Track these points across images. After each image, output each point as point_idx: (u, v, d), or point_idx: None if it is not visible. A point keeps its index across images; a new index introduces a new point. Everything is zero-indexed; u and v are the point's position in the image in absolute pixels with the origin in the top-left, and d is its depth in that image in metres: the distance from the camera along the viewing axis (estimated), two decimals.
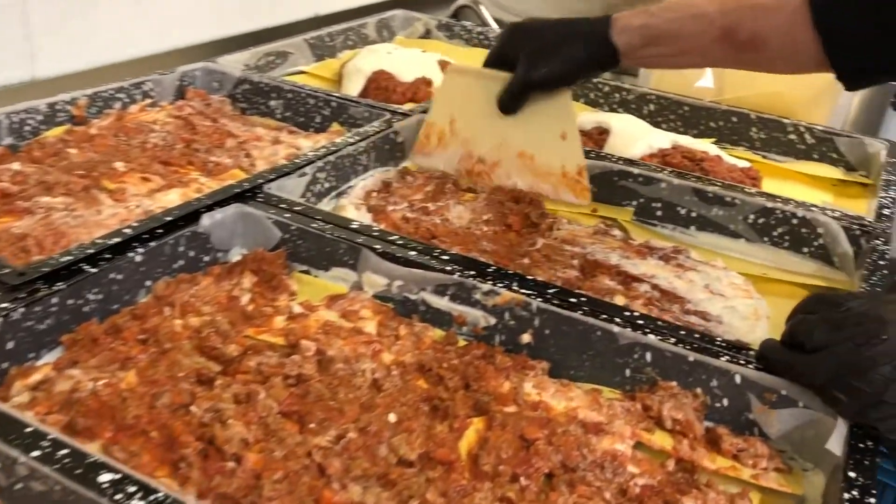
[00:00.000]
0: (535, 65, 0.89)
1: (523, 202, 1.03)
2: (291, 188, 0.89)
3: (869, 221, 0.93)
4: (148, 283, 0.74)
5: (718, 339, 0.68)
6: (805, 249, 0.95)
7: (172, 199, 0.90)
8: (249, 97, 1.22)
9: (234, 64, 1.27)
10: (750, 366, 0.64)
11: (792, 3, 0.76)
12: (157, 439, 0.58)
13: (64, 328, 0.67)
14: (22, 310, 0.63)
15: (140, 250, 0.73)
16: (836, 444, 0.58)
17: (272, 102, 1.20)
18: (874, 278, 0.81)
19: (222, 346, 0.68)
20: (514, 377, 0.68)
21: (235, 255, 0.82)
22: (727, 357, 0.65)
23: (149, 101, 1.16)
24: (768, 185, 1.12)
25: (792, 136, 1.26)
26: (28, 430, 0.51)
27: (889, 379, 0.56)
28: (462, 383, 0.67)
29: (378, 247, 0.77)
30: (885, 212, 0.97)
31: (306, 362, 0.67)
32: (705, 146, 1.14)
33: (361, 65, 1.36)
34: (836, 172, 1.21)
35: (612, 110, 1.36)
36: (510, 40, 0.93)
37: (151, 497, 0.47)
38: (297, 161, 0.93)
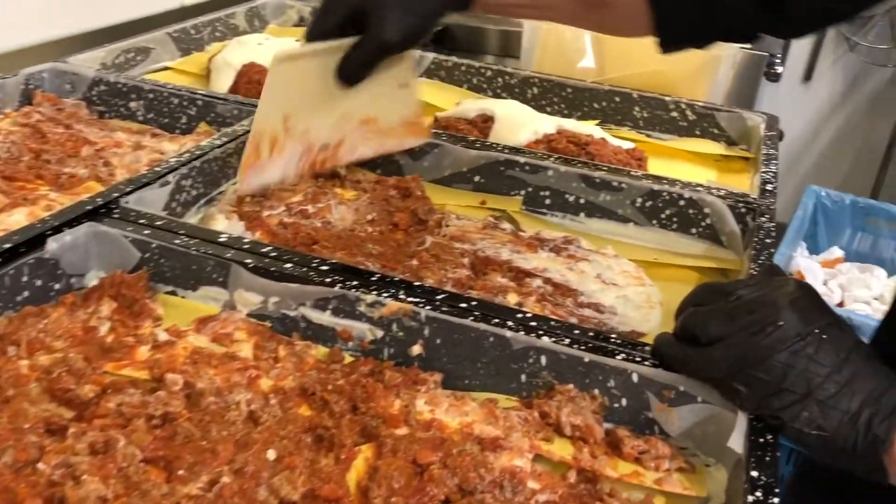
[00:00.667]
0: (388, 22, 0.74)
1: (410, 198, 0.99)
2: (153, 200, 0.82)
3: (754, 198, 0.93)
4: None
5: (613, 336, 0.65)
6: (693, 230, 0.94)
7: (18, 220, 0.80)
8: (107, 99, 1.12)
9: (88, 63, 1.17)
10: (646, 363, 0.62)
11: None
12: None
13: None
14: None
15: None
16: (736, 440, 0.56)
17: (132, 104, 1.11)
18: (762, 257, 0.81)
19: (76, 387, 0.61)
20: (404, 394, 0.63)
21: (92, 280, 0.74)
22: (623, 355, 0.63)
23: None
24: (654, 165, 1.12)
25: (674, 114, 1.26)
26: None
27: (787, 365, 0.55)
28: (349, 406, 0.62)
29: (249, 261, 0.71)
30: (769, 187, 0.97)
31: (173, 398, 0.60)
32: (590, 129, 1.12)
33: (230, 58, 1.28)
34: (718, 148, 1.22)
35: (496, 95, 1.32)
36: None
37: None
38: (157, 169, 0.85)
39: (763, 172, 1.01)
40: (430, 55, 1.37)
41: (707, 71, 1.31)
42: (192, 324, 0.70)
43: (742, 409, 0.58)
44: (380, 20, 0.74)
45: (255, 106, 0.88)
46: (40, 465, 0.53)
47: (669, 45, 0.77)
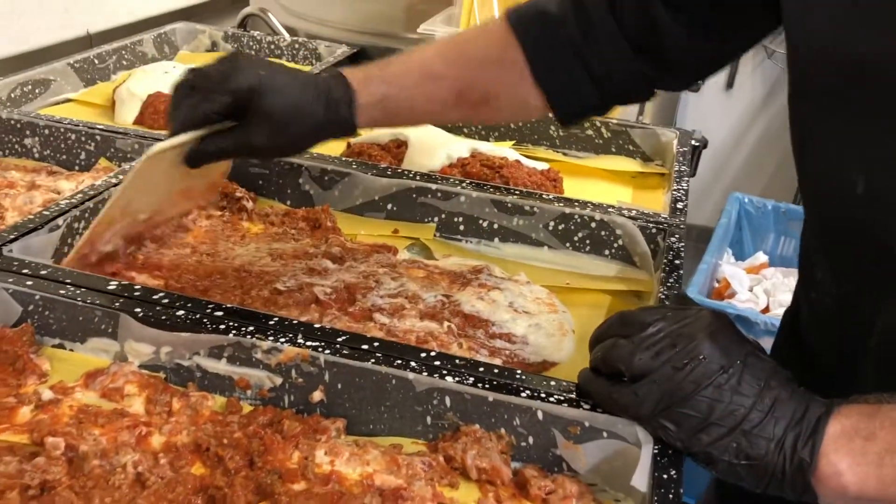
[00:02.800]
0: (262, 135, 0.69)
1: (320, 229, 0.96)
2: (40, 247, 0.78)
3: (664, 218, 0.93)
4: None
5: (518, 372, 0.64)
6: (606, 252, 0.94)
7: None
8: (1, 137, 1.06)
9: None
10: (551, 399, 0.61)
11: (511, 57, 0.76)
12: None
13: None
14: None
15: None
16: (640, 478, 0.55)
17: (27, 140, 1.06)
18: (671, 279, 0.80)
19: None
20: (304, 445, 0.61)
21: None
22: (527, 393, 0.61)
23: None
24: (570, 184, 1.11)
25: (590, 132, 1.26)
26: None
27: (713, 400, 0.54)
28: (245, 462, 0.59)
29: (139, 310, 0.67)
30: (679, 205, 0.97)
31: (53, 464, 0.56)
32: (505, 151, 1.11)
33: (135, 88, 1.23)
34: (634, 165, 1.22)
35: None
36: (227, 93, 0.69)
37: None
38: (45, 213, 0.81)
39: (675, 190, 1.02)
40: None
41: None
42: (80, 379, 0.66)
43: (671, 447, 0.57)
44: (258, 129, 0.69)
45: (158, 139, 0.84)
46: None
47: (569, 120, 0.80)
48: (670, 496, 0.53)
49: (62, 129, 1.04)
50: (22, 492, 0.54)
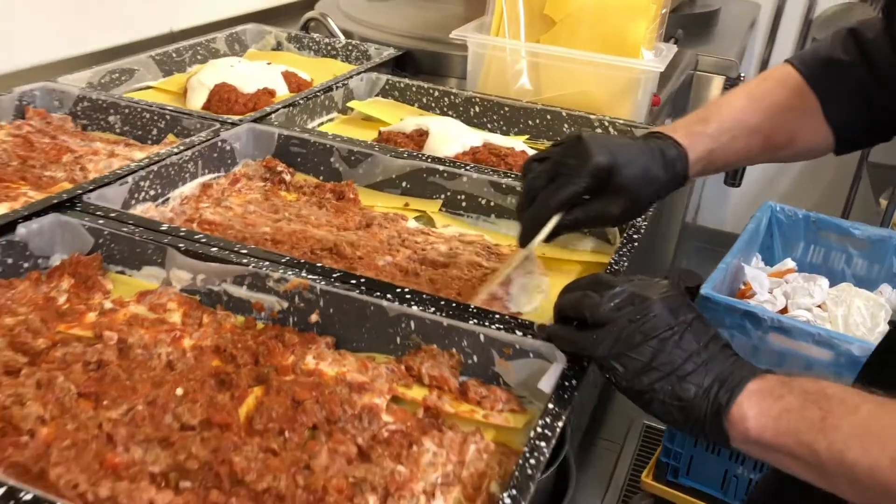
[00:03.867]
0: (615, 205, 0.81)
1: (343, 199, 1.13)
2: (113, 197, 0.97)
3: None
4: None
5: (470, 305, 0.79)
6: (585, 230, 1.08)
7: None
8: (90, 114, 1.28)
9: (75, 83, 1.33)
10: (493, 326, 0.76)
11: (810, 105, 0.90)
12: None
13: None
14: None
15: None
16: (546, 382, 0.70)
17: (111, 118, 1.27)
18: (624, 250, 0.95)
19: (32, 341, 0.76)
20: (298, 351, 0.78)
21: (56, 261, 0.89)
22: (475, 321, 0.77)
23: None
24: None
25: (598, 129, 1.40)
26: None
27: (657, 349, 0.66)
28: (252, 360, 0.77)
29: (182, 245, 0.86)
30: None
31: (107, 350, 0.75)
32: (513, 143, 1.27)
33: (204, 78, 1.43)
34: None
35: (443, 113, 1.47)
36: (589, 177, 0.80)
37: None
38: (118, 171, 1.00)
39: None
40: (385, 77, 1.52)
41: (629, 94, 1.45)
42: (134, 296, 0.85)
43: (616, 386, 0.69)
44: (615, 199, 0.81)
45: (214, 120, 1.04)
46: None
47: (843, 153, 0.94)
48: (565, 397, 0.68)
49: (139, 110, 1.25)
50: (84, 366, 0.73)
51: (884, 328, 1.54)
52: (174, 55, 1.57)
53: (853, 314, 1.62)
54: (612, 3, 1.46)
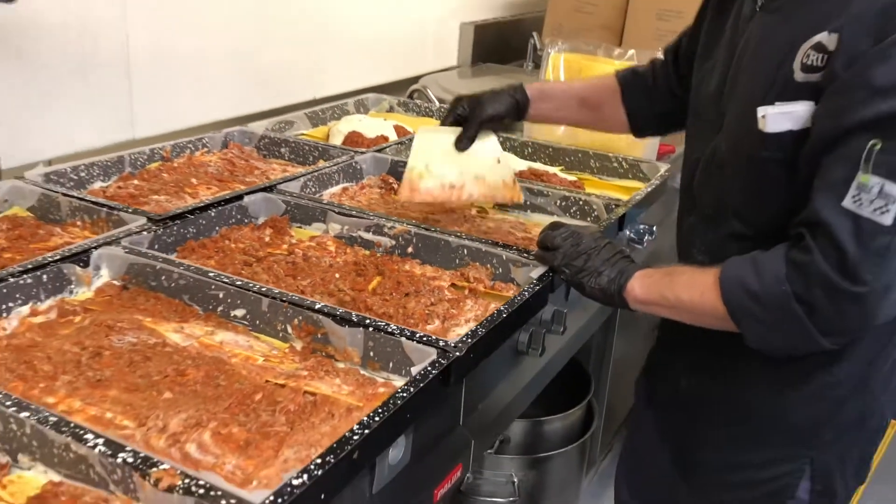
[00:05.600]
0: (479, 112, 1.46)
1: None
2: (294, 187, 1.60)
3: (619, 201, 1.63)
4: (218, 228, 1.44)
5: (509, 244, 1.37)
6: (588, 218, 1.64)
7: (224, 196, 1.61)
8: (269, 147, 1.94)
9: (258, 127, 2.00)
10: (512, 252, 1.33)
11: (615, 92, 1.51)
12: None
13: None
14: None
15: (212, 212, 1.43)
16: (535, 274, 1.26)
17: (282, 149, 1.92)
18: (604, 223, 1.50)
19: (255, 252, 1.37)
20: (400, 266, 1.37)
21: (262, 219, 1.52)
22: (500, 249, 1.34)
23: (206, 149, 1.88)
24: (591, 190, 1.82)
25: (615, 165, 1.96)
26: None
27: (586, 261, 1.22)
28: (375, 267, 1.36)
29: (336, 210, 1.47)
30: (638, 196, 1.66)
31: (297, 258, 1.36)
32: (550, 169, 1.85)
33: (341, 128, 2.09)
34: (632, 183, 1.91)
35: (516, 153, 2.07)
36: (463, 102, 1.49)
37: None
38: (294, 174, 1.64)
39: (638, 192, 1.71)
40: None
41: (642, 140, 2.01)
42: (307, 238, 1.47)
43: (565, 282, 1.25)
44: (479, 110, 1.48)
45: (348, 150, 1.68)
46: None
47: (638, 134, 1.56)
48: (545, 278, 1.24)
49: (301, 144, 1.90)
50: (286, 264, 1.34)
51: None
52: (319, 113, 2.24)
53: None
54: None
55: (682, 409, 1.33)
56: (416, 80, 2.69)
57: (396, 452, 1.15)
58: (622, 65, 2.07)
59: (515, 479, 1.89)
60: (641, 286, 1.17)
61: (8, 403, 0.85)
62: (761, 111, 1.07)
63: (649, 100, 1.49)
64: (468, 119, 1.48)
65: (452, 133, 1.48)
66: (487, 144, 1.51)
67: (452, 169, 1.49)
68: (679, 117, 1.38)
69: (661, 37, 2.82)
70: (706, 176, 1.21)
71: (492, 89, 1.53)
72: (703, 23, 1.32)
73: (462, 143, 1.48)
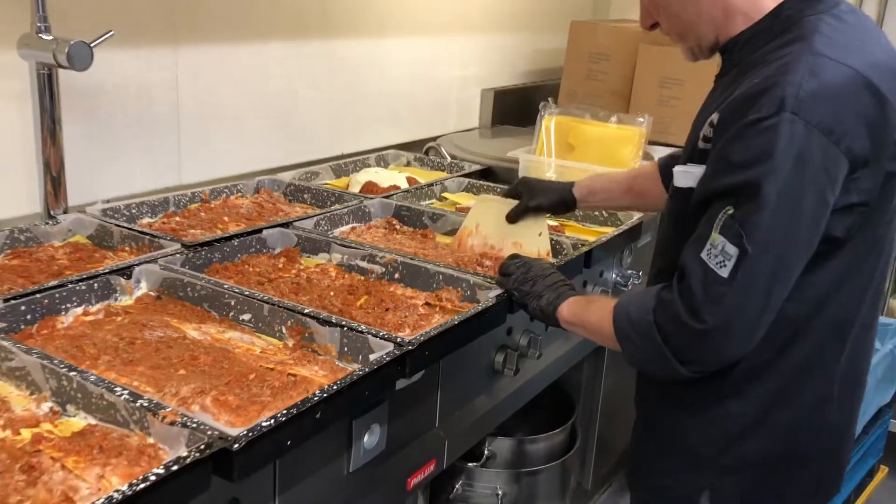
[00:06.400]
0: (533, 199, 1.76)
1: (426, 238, 2.01)
2: (308, 224, 1.89)
3: (583, 241, 1.88)
4: (240, 255, 1.74)
5: (470, 270, 1.63)
6: (559, 256, 1.89)
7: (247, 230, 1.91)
8: (294, 193, 2.25)
9: (287, 176, 2.32)
10: (480, 277, 1.59)
11: (654, 171, 1.75)
12: None
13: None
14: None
15: (236, 241, 1.73)
16: (493, 295, 1.51)
17: (305, 195, 2.23)
18: (566, 259, 1.75)
19: (267, 275, 1.66)
20: (386, 285, 1.63)
21: (278, 249, 1.81)
22: (470, 276, 1.60)
23: (239, 193, 2.20)
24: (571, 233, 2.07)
25: (596, 214, 2.21)
26: None
27: (532, 286, 1.48)
28: (365, 288, 1.63)
29: (338, 242, 1.76)
30: (603, 239, 1.91)
31: (302, 280, 1.64)
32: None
33: (359, 178, 2.39)
34: (608, 229, 2.15)
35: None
36: (520, 185, 1.81)
37: None
38: (309, 214, 1.94)
39: (614, 232, 1.95)
40: (467, 180, 2.43)
41: None
42: (313, 265, 1.75)
43: (515, 303, 1.51)
44: (530, 196, 1.76)
45: (361, 196, 1.98)
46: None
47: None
48: (504, 296, 1.49)
49: (322, 191, 2.20)
50: (289, 284, 1.62)
51: None
52: (342, 165, 2.55)
53: None
54: (610, 134, 2.31)
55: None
56: (434, 138, 3.00)
57: (372, 439, 1.40)
58: (607, 126, 2.34)
59: (500, 492, 2.10)
60: (569, 310, 1.42)
61: (62, 367, 1.14)
62: (676, 168, 1.32)
63: None
64: (521, 200, 1.78)
65: (507, 205, 1.80)
66: (536, 219, 1.80)
67: (497, 232, 1.81)
68: None
69: (664, 101, 3.11)
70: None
71: (549, 181, 1.85)
72: None
73: (510, 218, 1.80)
